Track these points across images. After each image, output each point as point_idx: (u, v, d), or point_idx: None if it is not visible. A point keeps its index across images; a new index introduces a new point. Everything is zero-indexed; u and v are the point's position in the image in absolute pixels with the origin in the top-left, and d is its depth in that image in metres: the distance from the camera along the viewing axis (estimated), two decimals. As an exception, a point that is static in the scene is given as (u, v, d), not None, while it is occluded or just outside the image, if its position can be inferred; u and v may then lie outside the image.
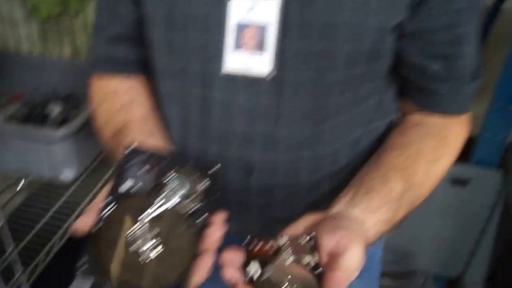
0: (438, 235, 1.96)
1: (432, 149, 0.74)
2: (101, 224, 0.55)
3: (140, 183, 0.58)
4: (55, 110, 1.44)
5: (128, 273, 0.52)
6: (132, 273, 0.52)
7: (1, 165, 1.35)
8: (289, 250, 0.56)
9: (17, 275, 1.16)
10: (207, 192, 0.58)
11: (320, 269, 0.55)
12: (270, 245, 0.57)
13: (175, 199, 0.57)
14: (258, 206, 0.80)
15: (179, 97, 0.76)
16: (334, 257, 0.55)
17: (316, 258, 0.56)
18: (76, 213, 1.33)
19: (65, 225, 1.28)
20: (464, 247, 1.99)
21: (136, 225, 0.54)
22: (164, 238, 0.54)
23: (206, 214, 0.57)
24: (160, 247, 0.54)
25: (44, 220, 1.31)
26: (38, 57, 1.67)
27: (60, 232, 1.27)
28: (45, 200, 1.39)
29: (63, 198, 1.37)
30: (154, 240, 0.54)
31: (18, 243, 1.23)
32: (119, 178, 0.58)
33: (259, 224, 0.83)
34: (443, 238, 1.97)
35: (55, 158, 1.31)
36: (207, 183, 0.59)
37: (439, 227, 1.92)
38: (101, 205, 0.57)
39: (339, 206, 0.66)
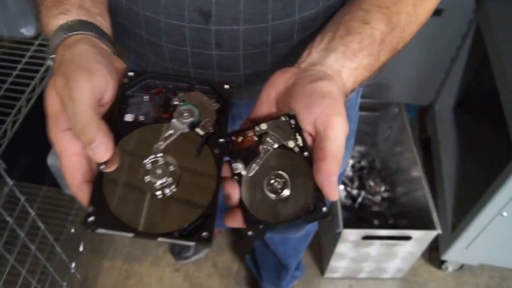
0: (411, 66, 1.96)
1: None
2: (105, 165, 0.47)
3: (145, 113, 0.52)
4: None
5: (148, 219, 0.46)
6: (153, 218, 0.46)
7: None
8: (271, 137, 0.52)
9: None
10: (218, 114, 0.52)
11: (306, 153, 0.51)
12: (251, 135, 0.52)
13: (186, 127, 0.51)
14: (220, 59, 0.70)
15: None
16: (318, 142, 0.50)
17: (300, 140, 0.51)
18: (42, 70, 1.24)
19: (32, 85, 1.21)
20: (435, 76, 2.03)
21: (147, 161, 0.48)
22: (182, 173, 0.48)
23: (223, 140, 0.51)
24: (178, 183, 0.48)
25: (9, 80, 1.23)
26: None
27: (28, 90, 1.19)
28: (9, 59, 1.28)
29: (27, 56, 1.28)
30: (171, 177, 0.48)
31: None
32: (120, 110, 0.51)
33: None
34: (416, 69, 1.98)
35: (10, 11, 1.21)
36: (217, 105, 0.53)
37: (412, 57, 1.91)
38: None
39: (315, 54, 0.58)
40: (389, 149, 1.98)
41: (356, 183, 1.97)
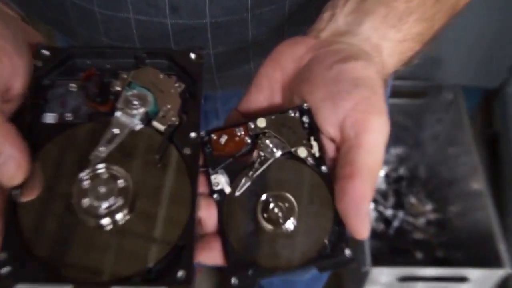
0: (473, 35, 1.67)
1: None
2: (19, 191, 0.37)
3: (73, 109, 0.41)
4: None
5: (93, 261, 0.35)
6: (101, 258, 0.35)
7: None
8: (272, 140, 0.42)
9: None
10: (184, 98, 0.41)
11: (324, 167, 0.42)
12: (241, 135, 0.43)
13: (138, 122, 0.40)
14: (177, 31, 0.61)
15: None
16: (346, 152, 0.41)
17: (316, 148, 0.42)
18: None
19: None
20: (507, 50, 1.73)
21: (83, 176, 0.37)
22: (137, 189, 0.38)
23: (195, 134, 0.40)
24: (134, 205, 0.37)
25: None
26: None
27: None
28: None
29: None
30: (121, 196, 0.37)
31: None
32: (36, 107, 0.41)
33: None
34: (480, 39, 1.70)
35: None
36: (182, 84, 0.42)
37: (476, 23, 1.60)
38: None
39: (342, 18, 0.47)
40: (438, 152, 1.76)
41: (391, 200, 1.76)
